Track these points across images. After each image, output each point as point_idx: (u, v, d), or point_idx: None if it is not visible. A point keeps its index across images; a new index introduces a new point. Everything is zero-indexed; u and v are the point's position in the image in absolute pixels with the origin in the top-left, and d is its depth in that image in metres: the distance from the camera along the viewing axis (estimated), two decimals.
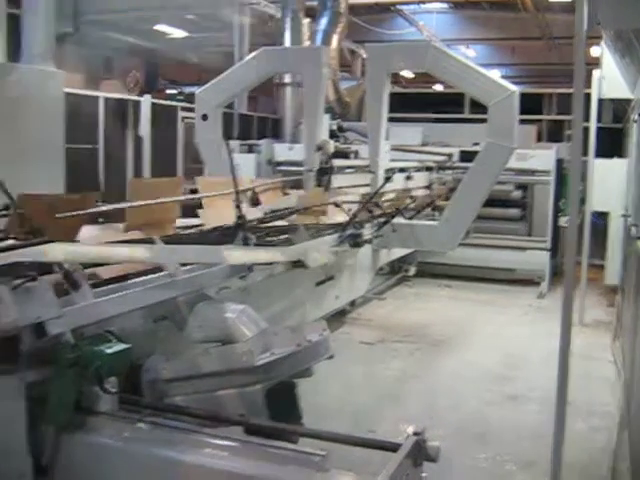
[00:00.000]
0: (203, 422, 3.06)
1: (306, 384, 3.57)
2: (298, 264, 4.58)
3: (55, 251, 3.12)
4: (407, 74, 19.16)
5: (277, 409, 3.26)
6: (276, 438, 2.91)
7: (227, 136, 9.42)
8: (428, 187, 10.67)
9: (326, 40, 13.40)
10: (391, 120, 8.47)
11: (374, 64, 8.13)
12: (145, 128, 11.72)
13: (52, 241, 3.11)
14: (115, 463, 2.89)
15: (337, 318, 7.92)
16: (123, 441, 2.92)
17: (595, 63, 8.41)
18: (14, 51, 9.46)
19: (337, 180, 8.33)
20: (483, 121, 8.03)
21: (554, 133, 15.57)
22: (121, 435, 2.95)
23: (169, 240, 4.19)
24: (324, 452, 2.72)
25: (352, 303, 8.46)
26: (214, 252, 4.07)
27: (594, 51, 8.52)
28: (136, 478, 2.88)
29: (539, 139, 14.46)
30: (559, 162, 10.79)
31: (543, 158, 10.71)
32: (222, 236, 4.75)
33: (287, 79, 13.17)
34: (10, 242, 3.04)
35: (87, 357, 2.89)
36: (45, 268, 3.16)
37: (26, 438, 2.85)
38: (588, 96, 8.24)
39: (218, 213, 5.10)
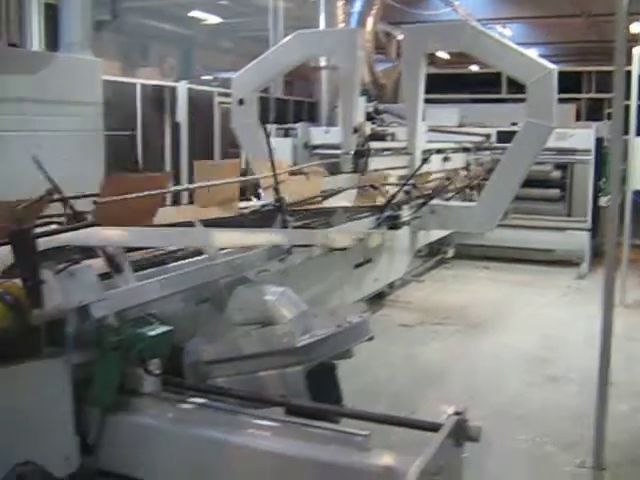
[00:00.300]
0: (245, 403, 3.10)
1: (346, 365, 3.59)
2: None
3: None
4: (443, 55, 18.96)
5: (317, 390, 3.28)
6: (317, 419, 2.94)
7: (263, 120, 9.42)
8: (466, 168, 10.59)
9: (361, 22, 13.36)
10: (428, 101, 8.40)
11: (410, 45, 8.07)
12: (182, 114, 11.82)
13: (94, 225, 3.15)
14: (159, 443, 2.94)
15: (376, 301, 7.91)
16: (167, 421, 2.97)
17: (635, 40, 8.25)
18: (52, 40, 9.56)
19: (374, 162, 8.31)
20: (520, 101, 7.95)
21: (593, 112, 15.34)
22: (165, 416, 3.00)
23: (208, 223, 4.20)
24: (366, 432, 2.73)
25: (391, 285, 8.44)
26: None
27: (634, 28, 8.36)
28: (180, 457, 2.92)
29: (578, 118, 14.26)
30: (599, 141, 10.62)
31: (583, 137, 10.54)
32: (261, 219, 4.78)
33: (323, 62, 13.13)
34: (53, 226, 3.08)
35: (130, 340, 2.93)
36: (88, 252, 3.21)
37: (72, 420, 2.90)
38: (628, 74, 8.10)
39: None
